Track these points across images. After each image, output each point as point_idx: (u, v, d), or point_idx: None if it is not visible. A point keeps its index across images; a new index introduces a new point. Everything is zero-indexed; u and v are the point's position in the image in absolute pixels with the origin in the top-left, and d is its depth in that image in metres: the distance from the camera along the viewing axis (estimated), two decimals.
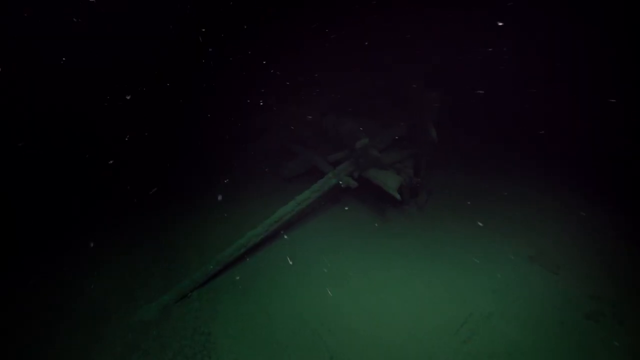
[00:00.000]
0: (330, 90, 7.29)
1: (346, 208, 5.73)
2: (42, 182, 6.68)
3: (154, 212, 6.06)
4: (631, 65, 6.15)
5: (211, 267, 4.53)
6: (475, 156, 7.06)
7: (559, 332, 3.78)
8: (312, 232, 5.22)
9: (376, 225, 5.32)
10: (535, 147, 7.01)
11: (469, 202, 5.84)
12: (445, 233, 5.16)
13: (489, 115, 7.44)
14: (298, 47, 8.06)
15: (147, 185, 6.64)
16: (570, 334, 3.74)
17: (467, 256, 4.74)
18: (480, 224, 5.30)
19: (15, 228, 5.88)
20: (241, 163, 7.41)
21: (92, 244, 5.29)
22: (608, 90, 6.43)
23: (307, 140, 6.78)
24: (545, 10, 6.41)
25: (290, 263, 4.71)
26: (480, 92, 6.84)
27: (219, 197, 6.26)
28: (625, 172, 6.00)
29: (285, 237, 5.17)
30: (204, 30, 7.55)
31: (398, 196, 4.95)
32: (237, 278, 4.60)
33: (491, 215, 5.51)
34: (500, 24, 6.55)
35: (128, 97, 6.59)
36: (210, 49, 8.07)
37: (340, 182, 5.30)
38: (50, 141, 6.94)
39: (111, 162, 6.93)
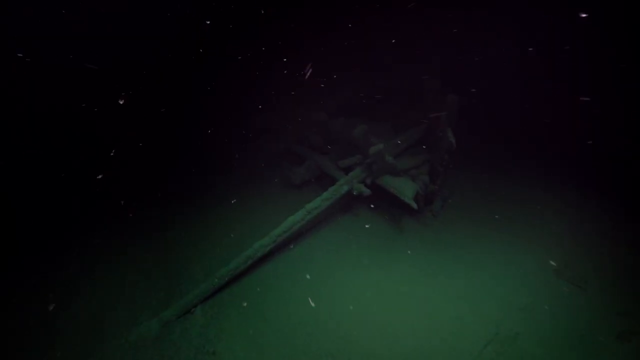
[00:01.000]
0: (338, 90, 7.03)
1: (358, 217, 5.44)
2: (41, 182, 6.47)
3: (156, 218, 5.77)
4: (631, 65, 6.03)
5: (216, 280, 4.24)
6: (477, 156, 6.87)
7: (591, 354, 3.51)
8: (323, 243, 4.92)
9: (391, 236, 5.03)
10: (538, 147, 6.87)
11: (483, 208, 5.60)
12: (464, 244, 4.89)
13: (488, 115, 7.33)
14: (304, 46, 7.86)
15: (147, 191, 6.39)
16: (602, 357, 3.47)
17: (490, 269, 4.47)
18: (500, 234, 5.05)
19: (15, 228, 5.68)
20: (243, 165, 7.12)
21: (89, 253, 5.01)
22: (608, 90, 6.37)
23: (315, 143, 6.49)
24: (545, 10, 6.37)
25: (304, 277, 4.42)
26: (473, 90, 6.71)
27: (233, 201, 6.07)
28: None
29: (292, 246, 4.88)
30: (204, 30, 7.43)
31: (415, 205, 4.67)
32: (245, 292, 4.31)
33: (508, 223, 5.25)
34: (500, 23, 6.62)
35: (121, 102, 6.39)
36: (210, 49, 7.87)
37: (353, 190, 5.01)
38: (50, 141, 6.78)
39: (105, 168, 6.73)
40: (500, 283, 4.27)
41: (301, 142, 6.85)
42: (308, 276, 4.40)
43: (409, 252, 4.73)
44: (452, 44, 7.33)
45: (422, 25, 7.38)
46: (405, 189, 4.83)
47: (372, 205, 5.63)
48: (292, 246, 4.91)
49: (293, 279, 4.40)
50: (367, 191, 4.93)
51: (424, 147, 6.11)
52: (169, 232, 5.39)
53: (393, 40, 7.61)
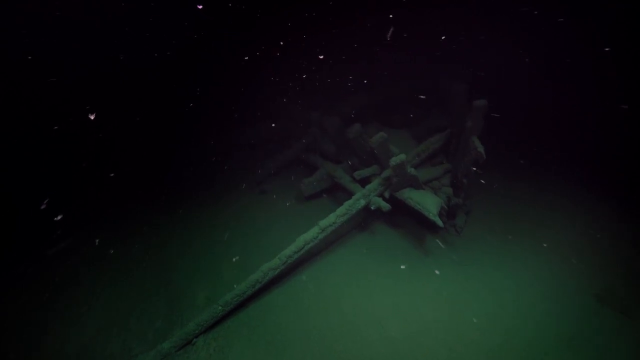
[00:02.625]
0: (353, 94, 6.57)
1: (375, 235, 4.96)
2: (37, 183, 6.15)
3: (156, 235, 5.35)
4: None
5: (220, 307, 3.80)
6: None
7: None
8: (338, 265, 4.46)
9: (413, 256, 4.56)
10: (546, 147, 6.70)
11: (507, 220, 5.22)
12: (492, 265, 4.41)
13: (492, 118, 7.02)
14: (316, 46, 7.48)
15: (147, 204, 6.00)
16: None
17: (524, 293, 3.99)
18: (530, 252, 4.58)
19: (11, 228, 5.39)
20: (248, 174, 6.65)
21: (81, 273, 4.61)
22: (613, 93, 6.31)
23: (328, 151, 6.04)
24: (551, 12, 6.29)
25: (318, 304, 3.96)
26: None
27: (238, 215, 5.61)
28: None
29: (304, 268, 4.43)
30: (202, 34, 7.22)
31: (441, 223, 4.18)
32: (252, 321, 3.86)
33: (536, 238, 4.82)
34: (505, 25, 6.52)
35: (92, 117, 6.23)
36: (216, 52, 7.61)
37: (370, 204, 4.55)
38: (48, 143, 6.51)
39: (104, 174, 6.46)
40: (536, 309, 3.81)
41: (312, 149, 6.41)
42: (323, 303, 3.94)
43: (436, 278, 4.24)
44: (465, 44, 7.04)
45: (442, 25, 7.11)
46: (429, 203, 4.35)
47: (389, 220, 5.18)
48: (303, 268, 4.45)
49: (306, 306, 3.95)
50: (386, 206, 4.47)
51: (444, 156, 5.65)
52: (168, 250, 4.97)
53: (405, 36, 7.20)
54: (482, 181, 5.84)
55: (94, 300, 4.17)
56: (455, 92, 5.03)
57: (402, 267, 4.39)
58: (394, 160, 4.23)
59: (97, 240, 5.11)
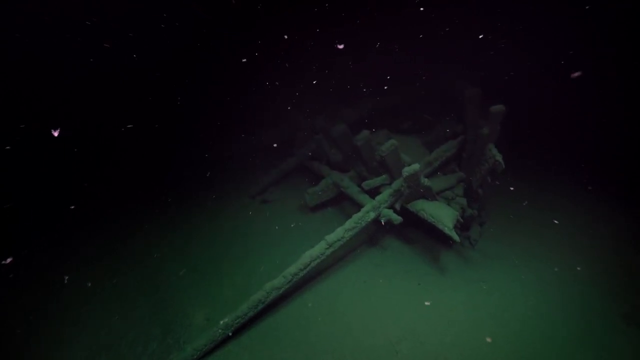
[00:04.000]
0: (360, 99, 6.30)
1: (385, 250, 4.66)
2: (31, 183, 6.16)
3: (149, 245, 5.06)
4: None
5: (220, 330, 3.51)
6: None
7: None
8: (346, 283, 4.15)
9: (427, 274, 4.25)
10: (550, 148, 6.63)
11: (523, 229, 4.99)
12: (514, 282, 4.11)
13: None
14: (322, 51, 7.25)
15: (145, 214, 5.73)
16: None
17: (547, 314, 3.70)
18: (549, 265, 4.29)
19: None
20: (251, 182, 6.36)
21: (72, 293, 4.31)
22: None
23: (333, 159, 5.75)
24: (552, 11, 6.28)
25: (326, 326, 3.66)
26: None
27: (238, 228, 5.29)
28: None
29: (310, 287, 4.12)
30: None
31: (457, 238, 3.88)
32: (254, 345, 3.56)
33: (557, 251, 4.56)
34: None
35: (55, 134, 6.11)
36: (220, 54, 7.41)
37: (381, 217, 4.26)
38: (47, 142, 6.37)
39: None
40: (559, 332, 3.50)
41: (316, 157, 6.12)
42: (331, 326, 3.64)
43: (450, 290, 3.95)
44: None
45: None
46: (444, 216, 4.05)
47: (399, 233, 4.88)
48: (309, 286, 4.15)
49: (313, 328, 3.64)
50: (398, 219, 4.17)
51: (456, 164, 5.36)
52: (164, 264, 4.67)
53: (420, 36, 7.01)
54: (497, 182, 5.64)
55: (85, 328, 3.86)
56: (469, 96, 4.74)
57: (418, 284, 4.08)
58: (406, 171, 3.94)
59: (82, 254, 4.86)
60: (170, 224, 5.49)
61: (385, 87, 6.58)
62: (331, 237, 4.00)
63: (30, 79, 6.12)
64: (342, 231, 4.07)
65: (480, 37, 6.56)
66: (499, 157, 4.17)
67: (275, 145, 6.84)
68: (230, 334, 3.55)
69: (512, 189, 5.94)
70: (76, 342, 3.66)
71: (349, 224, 4.13)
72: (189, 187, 6.64)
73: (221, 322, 3.54)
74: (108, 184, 6.55)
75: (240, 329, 3.64)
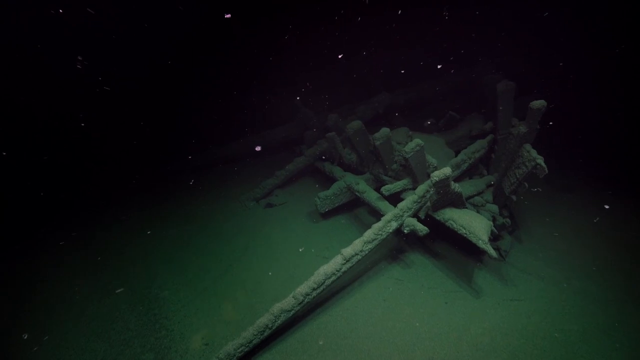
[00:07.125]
0: (376, 94, 5.76)
1: (409, 266, 4.13)
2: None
3: (141, 255, 4.57)
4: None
5: None
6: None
7: None
8: (364, 303, 3.63)
9: (454, 290, 3.73)
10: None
11: (556, 240, 4.48)
12: (553, 300, 3.59)
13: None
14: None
15: (143, 222, 5.24)
16: None
17: (606, 342, 3.16)
18: (593, 282, 3.80)
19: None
20: (255, 185, 5.85)
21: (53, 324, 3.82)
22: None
23: (348, 160, 5.24)
24: (553, 10, 6.30)
25: (345, 355, 3.15)
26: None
27: (243, 239, 4.75)
28: None
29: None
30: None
31: (493, 252, 3.35)
32: None
33: (590, 260, 4.09)
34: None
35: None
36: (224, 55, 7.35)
37: (404, 227, 3.74)
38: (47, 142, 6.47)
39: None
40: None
41: (328, 157, 5.61)
42: (349, 355, 3.13)
43: (482, 311, 3.44)
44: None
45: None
46: (477, 228, 3.52)
47: (422, 245, 4.36)
48: (323, 308, 3.64)
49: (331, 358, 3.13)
50: (424, 229, 3.66)
51: (484, 165, 4.84)
52: (157, 280, 4.16)
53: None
54: (539, 189, 5.34)
55: (63, 346, 3.39)
56: (502, 90, 4.21)
57: (445, 303, 3.57)
58: (436, 175, 3.40)
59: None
60: (162, 232, 5.01)
61: (406, 82, 6.07)
62: (348, 251, 3.49)
63: (30, 78, 6.03)
64: (361, 244, 3.56)
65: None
66: (540, 160, 3.63)
67: (281, 142, 6.36)
68: None
69: (539, 190, 5.47)
70: None
71: (368, 235, 3.61)
72: (185, 189, 6.19)
73: (222, 352, 3.04)
74: (99, 189, 6.30)
75: (244, 359, 3.13)
